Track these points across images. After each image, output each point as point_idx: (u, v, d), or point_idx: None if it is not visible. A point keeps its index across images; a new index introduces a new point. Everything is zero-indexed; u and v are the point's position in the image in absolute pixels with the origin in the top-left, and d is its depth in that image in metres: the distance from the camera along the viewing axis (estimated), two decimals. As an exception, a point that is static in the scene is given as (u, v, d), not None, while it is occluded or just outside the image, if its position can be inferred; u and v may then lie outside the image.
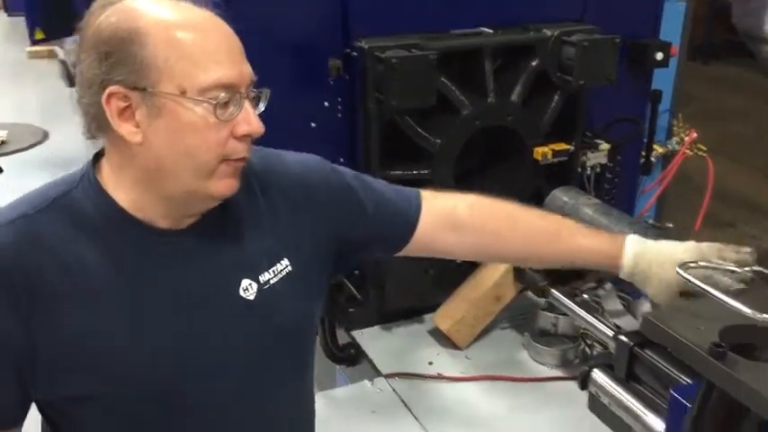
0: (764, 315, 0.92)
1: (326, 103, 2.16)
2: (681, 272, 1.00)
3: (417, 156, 2.29)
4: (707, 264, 1.10)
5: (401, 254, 1.44)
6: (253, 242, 1.20)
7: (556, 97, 2.39)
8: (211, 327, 1.15)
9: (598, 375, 1.68)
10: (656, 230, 3.07)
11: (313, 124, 2.15)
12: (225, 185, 1.11)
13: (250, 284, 1.17)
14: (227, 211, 1.18)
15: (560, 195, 2.09)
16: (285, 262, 1.22)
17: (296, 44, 2.09)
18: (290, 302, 1.22)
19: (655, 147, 3.20)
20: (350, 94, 2.19)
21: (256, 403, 1.20)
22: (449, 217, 1.42)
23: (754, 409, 0.93)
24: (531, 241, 1.46)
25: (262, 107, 1.14)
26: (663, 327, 1.04)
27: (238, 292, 1.16)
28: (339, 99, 2.17)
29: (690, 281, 0.98)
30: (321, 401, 1.74)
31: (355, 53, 2.14)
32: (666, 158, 3.28)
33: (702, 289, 0.97)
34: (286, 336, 1.23)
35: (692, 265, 1.04)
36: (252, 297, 1.18)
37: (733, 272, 1.11)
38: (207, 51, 1.04)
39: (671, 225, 3.73)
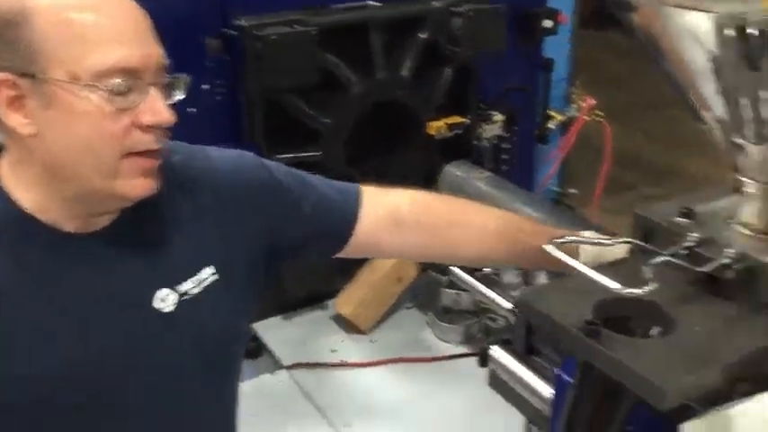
0: (631, 289, 0.88)
1: (205, 86, 2.04)
2: (547, 248, 0.96)
3: (308, 137, 2.20)
4: (578, 238, 1.06)
5: (342, 255, 1.32)
6: (174, 249, 1.09)
7: (447, 70, 2.35)
8: (126, 338, 1.04)
9: (497, 352, 1.66)
10: (554, 202, 3.09)
11: (191, 109, 2.02)
12: (139, 186, 0.99)
13: (167, 295, 1.07)
14: (145, 214, 1.06)
15: (453, 170, 2.06)
16: (210, 270, 1.10)
17: (169, 23, 1.94)
18: (215, 313, 1.12)
19: (554, 115, 3.21)
20: (231, 75, 2.08)
21: (180, 417, 1.11)
22: (392, 215, 1.28)
23: (629, 386, 0.90)
24: (475, 241, 1.33)
25: (178, 96, 1.03)
26: (535, 306, 1.00)
27: (151, 304, 1.06)
28: (218, 81, 2.06)
29: (555, 256, 0.94)
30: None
31: (234, 32, 2.03)
32: (566, 126, 3.31)
33: (568, 264, 0.93)
34: (212, 348, 1.13)
35: (561, 240, 1.00)
36: (169, 309, 1.07)
37: (605, 244, 1.08)
38: (103, 32, 0.93)
39: (575, 191, 3.80)
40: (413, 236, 1.29)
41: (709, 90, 0.98)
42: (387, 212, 1.26)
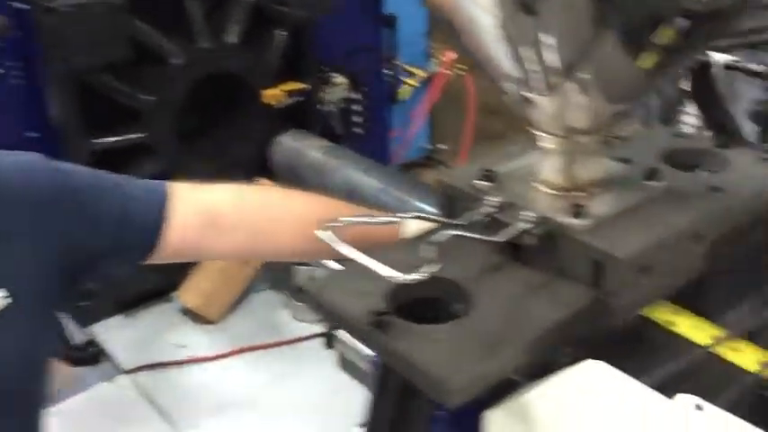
0: (407, 275, 0.78)
1: (-5, 70, 1.80)
2: (320, 234, 0.84)
3: (131, 118, 2.00)
4: (356, 219, 0.94)
5: (156, 261, 1.15)
6: None
7: (279, 33, 2.18)
8: None
9: (341, 333, 1.55)
10: (426, 159, 3.00)
11: (-21, 97, 1.79)
12: None
13: None
14: None
15: (287, 141, 1.92)
16: (0, 293, 0.94)
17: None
18: (8, 341, 0.95)
19: (414, 71, 3.14)
20: (26, 55, 1.84)
21: None
22: (209, 217, 1.14)
23: (416, 384, 0.80)
24: (303, 235, 1.21)
25: None
26: (318, 298, 0.88)
27: None
28: (11, 63, 1.82)
29: (326, 242, 0.82)
30: (51, 419, 1.46)
31: (22, 5, 1.79)
32: (429, 81, 3.26)
33: (339, 251, 0.82)
34: (7, 380, 0.96)
35: (337, 224, 0.88)
36: None
37: (393, 222, 0.98)
38: None
39: (444, 146, 3.74)
40: (234, 238, 1.15)
41: (498, 52, 0.88)
42: (202, 214, 1.12)
